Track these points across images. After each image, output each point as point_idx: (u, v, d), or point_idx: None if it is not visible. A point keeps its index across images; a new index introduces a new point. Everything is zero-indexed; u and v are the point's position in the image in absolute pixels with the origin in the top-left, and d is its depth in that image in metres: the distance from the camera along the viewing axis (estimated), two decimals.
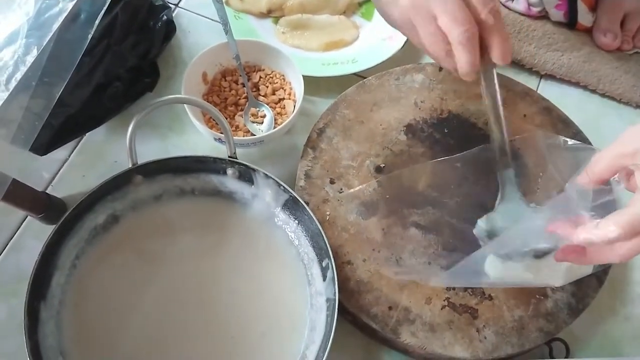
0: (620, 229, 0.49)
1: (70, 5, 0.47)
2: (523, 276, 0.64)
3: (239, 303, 0.66)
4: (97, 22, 0.50)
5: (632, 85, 0.88)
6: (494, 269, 0.64)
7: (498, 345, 0.65)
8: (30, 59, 0.45)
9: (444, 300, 0.67)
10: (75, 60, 0.49)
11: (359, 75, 0.83)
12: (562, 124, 0.79)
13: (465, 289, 0.67)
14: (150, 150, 0.78)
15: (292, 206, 0.67)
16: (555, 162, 0.70)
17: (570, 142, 0.66)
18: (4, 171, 0.53)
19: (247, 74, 0.80)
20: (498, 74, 0.81)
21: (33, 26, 0.47)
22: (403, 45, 0.85)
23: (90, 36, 0.50)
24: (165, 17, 0.82)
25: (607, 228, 0.50)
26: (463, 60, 0.63)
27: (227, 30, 0.75)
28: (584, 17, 0.90)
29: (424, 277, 0.65)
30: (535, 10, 0.91)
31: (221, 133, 0.68)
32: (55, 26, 0.47)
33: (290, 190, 0.66)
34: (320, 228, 0.64)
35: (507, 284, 0.66)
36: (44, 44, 0.46)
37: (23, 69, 0.46)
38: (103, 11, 0.51)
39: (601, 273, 0.69)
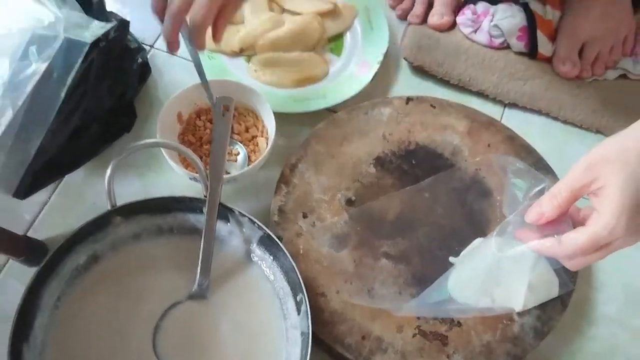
0: (578, 248, 0.55)
1: (43, 67, 0.50)
2: (483, 299, 0.67)
3: (217, 338, 0.68)
4: (69, 80, 0.53)
5: (592, 111, 0.91)
6: (456, 287, 0.68)
7: None
8: (5, 120, 0.48)
9: (415, 329, 0.69)
10: (50, 117, 0.51)
11: (330, 110, 0.87)
12: (525, 152, 0.82)
13: (436, 317, 0.70)
14: (129, 190, 0.81)
15: (266, 242, 0.70)
16: (511, 185, 0.72)
17: (519, 164, 0.68)
18: None
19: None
20: (463, 106, 0.86)
21: (8, 88, 0.49)
22: (371, 80, 0.88)
23: (63, 94, 0.53)
24: (140, 60, 0.85)
25: (566, 246, 0.56)
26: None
27: (203, 79, 0.77)
28: (544, 47, 0.94)
29: (394, 307, 0.68)
30: (497, 41, 0.95)
31: (196, 173, 0.71)
32: (30, 87, 0.49)
33: (264, 228, 0.68)
34: (294, 263, 0.66)
35: (471, 311, 0.68)
36: (19, 105, 0.48)
37: None
38: (75, 70, 0.53)
39: (565, 296, 0.72)
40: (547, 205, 0.59)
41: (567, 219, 0.59)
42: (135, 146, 0.66)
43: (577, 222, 0.59)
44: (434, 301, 0.67)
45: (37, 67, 0.50)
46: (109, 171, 0.66)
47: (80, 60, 0.52)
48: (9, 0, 0.55)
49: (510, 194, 0.64)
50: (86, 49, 0.53)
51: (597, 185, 0.55)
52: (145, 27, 0.95)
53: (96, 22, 0.57)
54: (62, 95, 0.52)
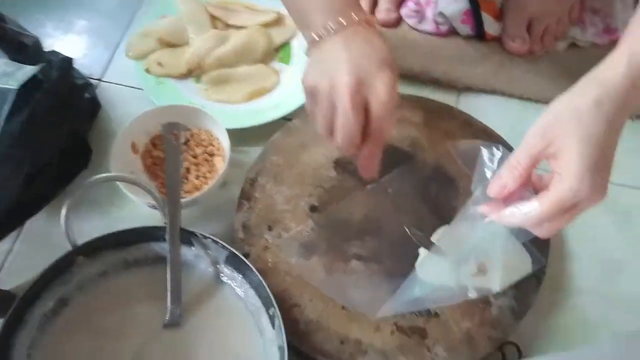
0: (545, 214, 0.55)
1: None
2: (458, 283, 0.67)
3: None
4: None
5: (546, 83, 0.91)
6: (428, 275, 0.68)
7: None
8: None
9: (393, 325, 0.69)
10: None
11: (286, 119, 0.86)
12: (484, 135, 0.82)
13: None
14: (93, 227, 0.79)
15: (233, 261, 0.69)
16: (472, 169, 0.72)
17: (472, 143, 0.67)
18: None
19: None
20: (417, 97, 0.86)
21: None
22: None
23: None
24: (88, 95, 0.85)
25: (533, 213, 0.56)
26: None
27: None
28: (491, 26, 0.94)
29: (370, 311, 0.67)
30: (443, 28, 0.95)
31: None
32: None
33: (228, 247, 0.68)
34: (261, 278, 0.65)
35: (447, 299, 0.68)
36: None
37: None
38: (3, 117, 0.52)
39: (539, 272, 0.72)
40: (507, 176, 0.58)
41: (529, 187, 0.59)
42: (85, 184, 0.66)
43: (540, 190, 0.58)
44: (409, 298, 0.66)
45: None
46: (63, 211, 0.66)
47: (7, 108, 0.52)
48: None
49: (480, 172, 0.63)
50: (12, 96, 0.52)
51: (554, 149, 0.55)
52: (91, 62, 0.95)
53: (25, 68, 0.56)
54: None
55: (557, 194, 0.54)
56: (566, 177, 0.54)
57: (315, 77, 0.64)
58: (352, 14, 0.65)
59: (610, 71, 0.55)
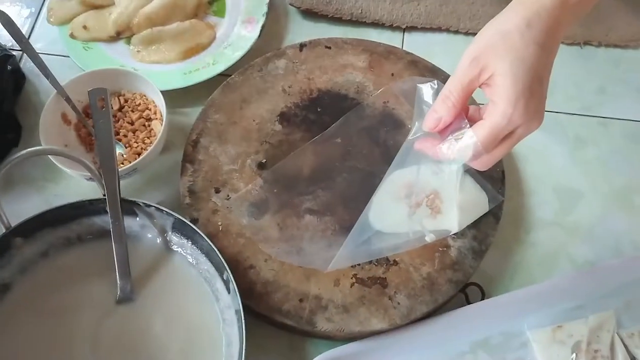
0: (482, 143, 0.53)
1: None
2: (412, 227, 0.65)
3: (154, 338, 0.65)
4: None
5: (490, 16, 0.86)
6: (379, 221, 0.66)
7: (412, 307, 0.65)
8: None
9: (352, 278, 0.67)
10: None
11: (225, 75, 0.82)
12: (430, 74, 0.80)
13: (370, 261, 0.67)
14: (31, 207, 0.74)
15: (180, 227, 0.66)
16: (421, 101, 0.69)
17: (410, 81, 0.65)
18: None
19: None
20: (359, 40, 0.82)
21: None
22: (260, 35, 0.84)
23: None
24: (10, 67, 0.79)
25: (469, 144, 0.54)
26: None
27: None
28: None
29: (322, 265, 0.65)
30: None
31: None
32: None
33: (173, 213, 0.65)
34: (210, 243, 0.63)
35: (404, 245, 0.66)
36: None
37: None
38: None
39: (496, 209, 0.71)
40: (441, 108, 0.56)
41: (464, 119, 0.57)
42: (9, 162, 0.61)
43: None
44: (361, 242, 0.64)
45: None
46: None
47: None
48: None
49: (418, 110, 0.61)
50: None
51: (486, 75, 0.53)
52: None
53: None
54: None
55: (490, 122, 0.53)
56: (499, 104, 0.52)
57: None
58: None
59: None
